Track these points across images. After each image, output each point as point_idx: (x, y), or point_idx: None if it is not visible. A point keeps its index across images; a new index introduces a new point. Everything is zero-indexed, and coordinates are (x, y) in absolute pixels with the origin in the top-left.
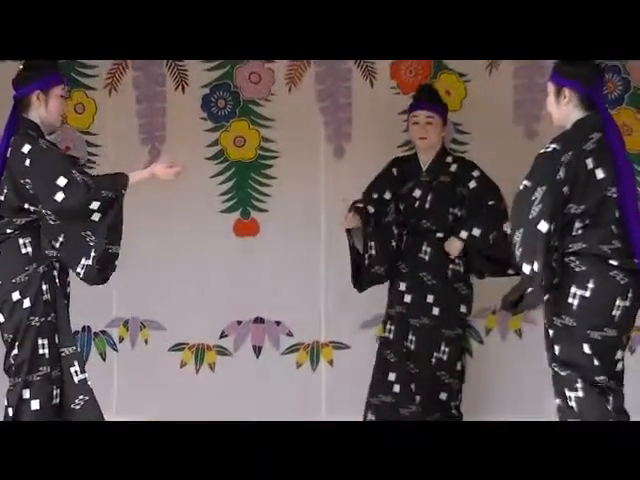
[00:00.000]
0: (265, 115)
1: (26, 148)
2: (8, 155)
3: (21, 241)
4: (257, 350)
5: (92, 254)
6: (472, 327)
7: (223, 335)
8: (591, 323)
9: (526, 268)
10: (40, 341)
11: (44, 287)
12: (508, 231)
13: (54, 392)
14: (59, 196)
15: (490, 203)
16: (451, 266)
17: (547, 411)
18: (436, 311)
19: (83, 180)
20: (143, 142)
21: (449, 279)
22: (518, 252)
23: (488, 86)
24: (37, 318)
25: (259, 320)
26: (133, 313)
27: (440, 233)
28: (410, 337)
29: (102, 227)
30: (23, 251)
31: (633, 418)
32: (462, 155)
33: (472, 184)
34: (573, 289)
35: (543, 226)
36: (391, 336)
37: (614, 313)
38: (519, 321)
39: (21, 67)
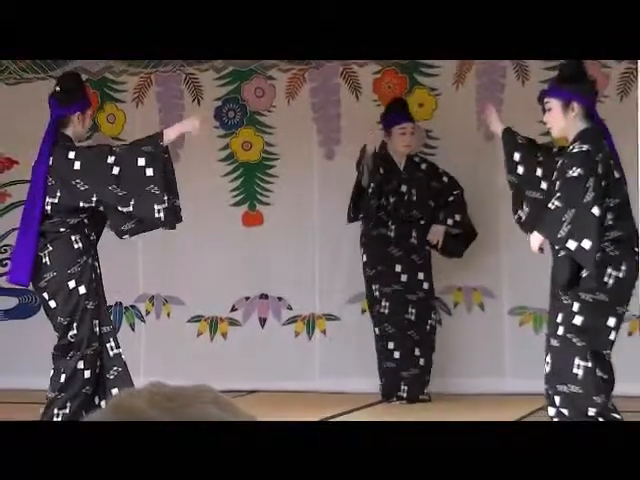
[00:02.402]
0: (268, 124)
1: (72, 154)
2: (51, 163)
3: (73, 237)
4: (262, 321)
5: (164, 198)
6: (442, 301)
7: (234, 309)
8: (620, 300)
9: (572, 244)
10: (95, 321)
11: (93, 276)
12: (552, 207)
13: (98, 363)
14: (115, 170)
15: (455, 192)
16: (427, 247)
17: (507, 371)
18: (426, 285)
19: (125, 147)
20: None
21: (429, 258)
22: (565, 229)
23: (455, 99)
24: (91, 302)
25: (264, 296)
26: (157, 290)
27: (423, 221)
28: (410, 310)
29: (158, 177)
30: (75, 246)
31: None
32: (433, 157)
33: (445, 178)
34: (609, 270)
35: (596, 210)
36: (386, 311)
37: (633, 291)
38: (481, 296)
39: (58, 88)
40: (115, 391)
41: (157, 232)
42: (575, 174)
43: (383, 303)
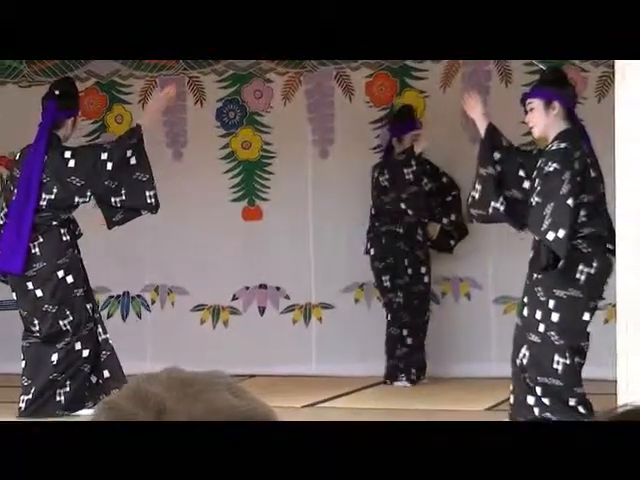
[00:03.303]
0: (266, 124)
1: (68, 154)
2: (45, 161)
3: (62, 231)
4: (261, 310)
5: (154, 184)
6: (432, 291)
7: (234, 298)
8: (592, 295)
9: (551, 235)
10: (88, 305)
11: (80, 266)
12: (533, 203)
13: (94, 344)
14: (109, 165)
15: (454, 193)
16: (428, 243)
17: (494, 355)
18: (426, 279)
19: (114, 143)
20: (168, 145)
21: (429, 253)
22: (547, 222)
23: (443, 101)
24: (80, 290)
25: (263, 286)
26: (162, 281)
27: (426, 219)
28: (414, 301)
29: (143, 164)
30: (64, 239)
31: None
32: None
33: (444, 179)
34: (580, 267)
35: (571, 202)
36: (402, 301)
37: (604, 287)
38: (468, 287)
39: (57, 92)
40: (106, 372)
41: (163, 227)
42: (551, 169)
43: (398, 293)
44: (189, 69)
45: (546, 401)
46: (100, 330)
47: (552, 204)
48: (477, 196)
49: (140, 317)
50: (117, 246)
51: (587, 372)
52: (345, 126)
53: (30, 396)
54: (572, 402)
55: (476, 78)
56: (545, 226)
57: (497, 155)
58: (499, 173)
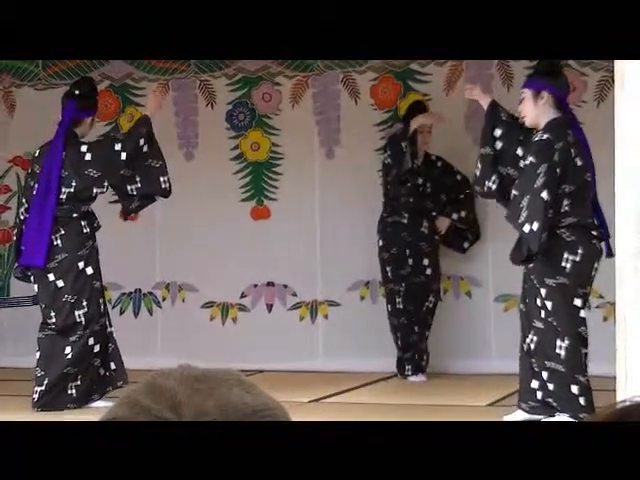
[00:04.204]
0: (274, 126)
1: (84, 148)
2: (64, 157)
3: (82, 223)
4: (269, 307)
5: (167, 169)
6: (438, 285)
7: (243, 295)
8: (581, 281)
9: (526, 228)
10: (100, 300)
11: (97, 258)
12: (511, 196)
13: (104, 338)
14: (123, 155)
15: (467, 191)
16: (436, 237)
17: (495, 353)
18: (428, 271)
19: (126, 134)
20: (180, 147)
21: (437, 246)
22: (524, 214)
23: (446, 103)
24: (97, 282)
25: (271, 284)
26: (173, 278)
27: (434, 212)
28: (414, 291)
29: (155, 151)
30: (84, 231)
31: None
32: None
33: (458, 177)
34: (565, 255)
35: (545, 195)
36: (404, 290)
37: (593, 273)
38: (469, 284)
39: (77, 92)
40: (112, 364)
41: (174, 225)
42: (528, 162)
43: (401, 283)
44: (200, 72)
45: (550, 386)
46: (107, 323)
47: (528, 197)
48: (477, 174)
49: (151, 314)
50: (129, 244)
51: (592, 369)
52: (351, 128)
53: (43, 387)
54: (574, 389)
55: (478, 82)
56: (522, 218)
57: (498, 132)
58: (498, 151)
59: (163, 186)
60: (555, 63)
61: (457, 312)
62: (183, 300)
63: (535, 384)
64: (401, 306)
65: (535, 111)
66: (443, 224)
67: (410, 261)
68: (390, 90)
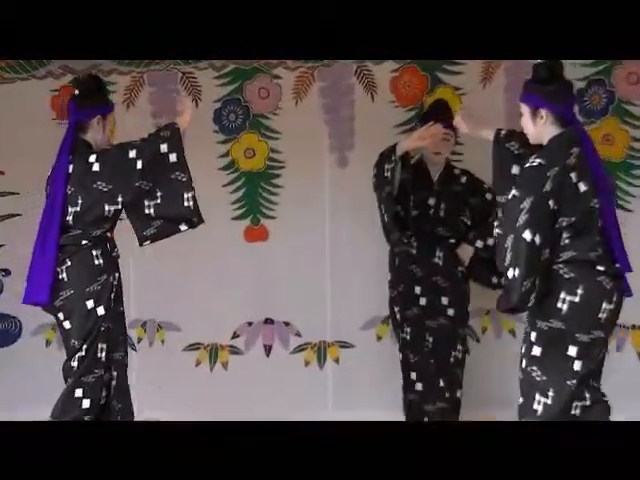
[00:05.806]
0: (273, 128)
1: (92, 157)
2: (70, 171)
3: (94, 252)
4: (267, 349)
5: (192, 185)
6: (470, 326)
7: (235, 335)
8: (580, 326)
9: (510, 273)
10: (100, 345)
11: (112, 296)
12: (495, 235)
13: (103, 393)
14: (139, 163)
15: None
16: (460, 268)
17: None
18: (450, 312)
19: (144, 139)
20: None
21: (460, 281)
22: (508, 256)
23: (482, 99)
24: (105, 325)
25: (269, 321)
26: (150, 315)
27: (453, 239)
28: (428, 338)
29: (183, 162)
30: (96, 262)
31: (618, 407)
32: (456, 163)
33: (488, 195)
34: (562, 295)
35: (527, 235)
36: (408, 337)
37: (600, 316)
38: (513, 321)
39: (77, 92)
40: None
41: (149, 250)
42: (510, 195)
43: (405, 328)
44: (182, 63)
45: None
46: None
47: (511, 236)
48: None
49: None
50: None
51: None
52: (367, 129)
53: None
54: None
55: (519, 73)
56: (507, 261)
57: (516, 169)
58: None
59: (186, 204)
60: (552, 68)
61: (497, 354)
62: (162, 341)
63: None
64: (407, 356)
65: (534, 130)
66: (466, 253)
67: (422, 300)
68: (414, 83)
